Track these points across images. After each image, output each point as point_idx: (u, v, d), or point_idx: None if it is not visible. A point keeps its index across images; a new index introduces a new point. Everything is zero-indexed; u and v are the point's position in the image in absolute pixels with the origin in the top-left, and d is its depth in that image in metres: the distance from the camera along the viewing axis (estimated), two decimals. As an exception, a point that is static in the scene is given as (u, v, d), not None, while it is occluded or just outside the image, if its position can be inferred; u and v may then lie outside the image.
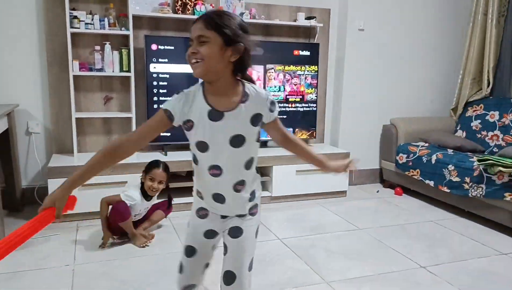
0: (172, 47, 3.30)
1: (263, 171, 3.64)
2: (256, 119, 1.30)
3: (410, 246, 2.74)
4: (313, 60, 3.73)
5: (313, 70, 3.74)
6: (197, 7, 3.31)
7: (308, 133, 3.81)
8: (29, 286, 2.14)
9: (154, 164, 2.69)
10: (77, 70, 3.09)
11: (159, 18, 3.35)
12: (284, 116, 3.71)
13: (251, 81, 1.33)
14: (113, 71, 3.20)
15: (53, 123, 3.25)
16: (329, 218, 3.26)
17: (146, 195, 2.69)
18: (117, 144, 1.30)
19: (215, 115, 1.26)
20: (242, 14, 3.43)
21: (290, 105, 3.72)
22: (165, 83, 3.33)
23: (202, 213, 1.43)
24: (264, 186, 3.63)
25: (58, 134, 3.28)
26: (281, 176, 3.50)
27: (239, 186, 1.35)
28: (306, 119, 3.80)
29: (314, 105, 3.80)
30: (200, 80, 1.29)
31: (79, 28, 3.03)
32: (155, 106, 3.31)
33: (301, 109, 3.77)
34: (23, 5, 3.07)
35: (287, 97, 3.70)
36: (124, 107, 3.41)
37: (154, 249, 2.62)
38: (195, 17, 3.27)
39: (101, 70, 3.19)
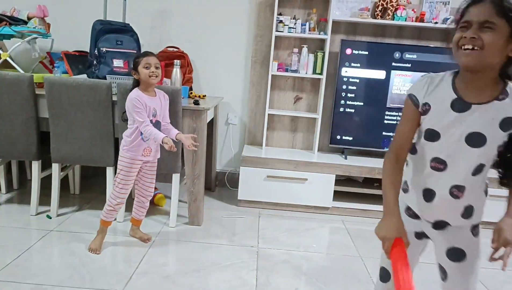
0: (366, 52, 3.29)
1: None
2: (507, 123, 1.12)
3: None
4: (525, 73, 3.26)
5: (525, 84, 3.27)
6: (398, 12, 3.22)
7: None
8: (222, 256, 2.41)
9: None
10: (275, 70, 3.34)
11: (356, 23, 3.37)
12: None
13: None
14: (306, 73, 3.36)
15: (248, 117, 3.59)
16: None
17: None
18: (390, 157, 1.27)
19: (460, 105, 1.14)
20: (446, 19, 3.21)
21: None
22: (354, 88, 3.34)
23: (410, 212, 1.34)
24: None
25: (251, 127, 3.60)
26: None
27: (455, 190, 1.20)
28: (507, 139, 3.34)
29: (520, 124, 3.32)
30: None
31: (282, 31, 3.26)
32: (341, 109, 3.36)
33: (503, 128, 3.33)
34: (239, 8, 3.46)
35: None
36: (312, 108, 3.55)
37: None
38: (394, 22, 3.22)
39: (295, 71, 3.37)
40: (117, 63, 2.89)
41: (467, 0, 1.10)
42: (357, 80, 3.33)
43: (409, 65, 3.28)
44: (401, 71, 3.29)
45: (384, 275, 1.35)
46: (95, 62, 2.88)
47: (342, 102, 3.37)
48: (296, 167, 3.17)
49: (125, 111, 2.31)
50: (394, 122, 3.36)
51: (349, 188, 3.30)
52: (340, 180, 3.36)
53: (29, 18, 3.03)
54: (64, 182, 3.00)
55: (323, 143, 3.54)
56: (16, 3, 3.11)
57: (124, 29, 2.99)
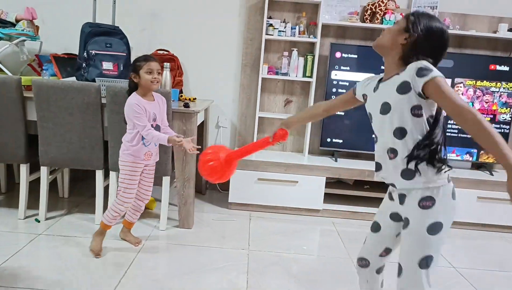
0: (356, 56, 3.31)
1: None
2: (402, 87, 1.33)
3: None
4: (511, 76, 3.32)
5: (511, 87, 3.32)
6: (386, 16, 3.25)
7: (495, 157, 3.39)
8: (213, 259, 2.40)
9: None
10: (266, 73, 3.35)
11: (346, 27, 3.40)
12: (469, 136, 3.37)
13: None
14: (296, 76, 3.37)
15: (239, 120, 3.59)
16: (515, 257, 2.85)
17: None
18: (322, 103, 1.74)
19: (376, 86, 1.47)
20: (434, 23, 3.25)
21: (477, 124, 3.37)
22: (344, 91, 3.36)
23: (389, 194, 1.54)
24: (436, 208, 3.37)
25: (242, 130, 3.60)
26: (458, 200, 3.19)
27: (391, 154, 1.41)
28: (495, 142, 3.39)
29: (507, 127, 3.37)
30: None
31: (272, 35, 3.28)
32: (331, 112, 3.38)
33: (490, 130, 3.37)
34: (229, 12, 3.47)
35: (475, 115, 3.36)
36: (302, 111, 3.56)
37: (318, 252, 2.67)
38: (383, 26, 3.25)
39: (285, 74, 3.39)
40: (107, 65, 2.88)
41: None
42: (347, 83, 3.35)
43: (398, 68, 3.30)
44: (390, 74, 3.31)
45: (374, 227, 1.58)
46: (84, 64, 2.86)
47: (332, 105, 3.38)
48: (287, 169, 3.17)
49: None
50: (384, 124, 3.39)
51: (340, 190, 3.31)
52: (331, 183, 3.37)
53: (17, 21, 3.01)
54: (52, 185, 2.97)
55: (313, 146, 3.55)
56: (4, 5, 3.08)
57: (114, 32, 2.97)
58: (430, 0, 3.29)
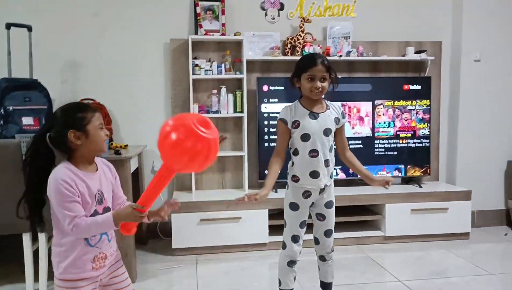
0: (282, 88, 3.43)
1: (374, 209, 3.51)
2: (336, 120, 2.05)
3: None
4: (424, 94, 3.61)
5: (425, 104, 3.61)
6: (306, 48, 3.43)
7: (421, 170, 3.62)
8: (160, 313, 2.27)
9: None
10: (197, 112, 3.35)
11: (269, 61, 3.53)
12: (395, 153, 3.59)
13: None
14: (227, 113, 3.42)
15: (175, 162, 3.52)
16: (453, 262, 3.00)
17: None
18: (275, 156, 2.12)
19: (313, 116, 2.00)
20: (349, 52, 3.48)
21: (400, 141, 3.60)
22: (275, 122, 3.44)
23: (306, 194, 2.05)
24: (376, 225, 3.49)
25: (178, 173, 3.53)
26: (394, 215, 3.34)
27: (327, 163, 2.02)
28: (418, 156, 3.62)
29: (427, 140, 3.63)
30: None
31: (199, 74, 3.32)
32: (266, 144, 3.44)
33: (413, 145, 3.61)
34: (155, 57, 3.48)
35: (398, 133, 3.59)
36: (237, 146, 3.59)
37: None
38: (305, 58, 3.41)
39: (217, 112, 3.42)
40: (27, 121, 2.73)
41: (308, 62, 2.00)
42: (277, 115, 3.42)
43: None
44: (317, 103, 3.46)
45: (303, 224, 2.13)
46: (2, 122, 2.69)
47: (266, 137, 3.45)
48: (229, 206, 3.14)
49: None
50: (317, 151, 3.50)
51: (283, 221, 3.31)
52: (274, 214, 3.37)
53: None
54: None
55: (252, 180, 3.55)
56: None
57: (32, 85, 2.85)
58: (343, 31, 3.54)
